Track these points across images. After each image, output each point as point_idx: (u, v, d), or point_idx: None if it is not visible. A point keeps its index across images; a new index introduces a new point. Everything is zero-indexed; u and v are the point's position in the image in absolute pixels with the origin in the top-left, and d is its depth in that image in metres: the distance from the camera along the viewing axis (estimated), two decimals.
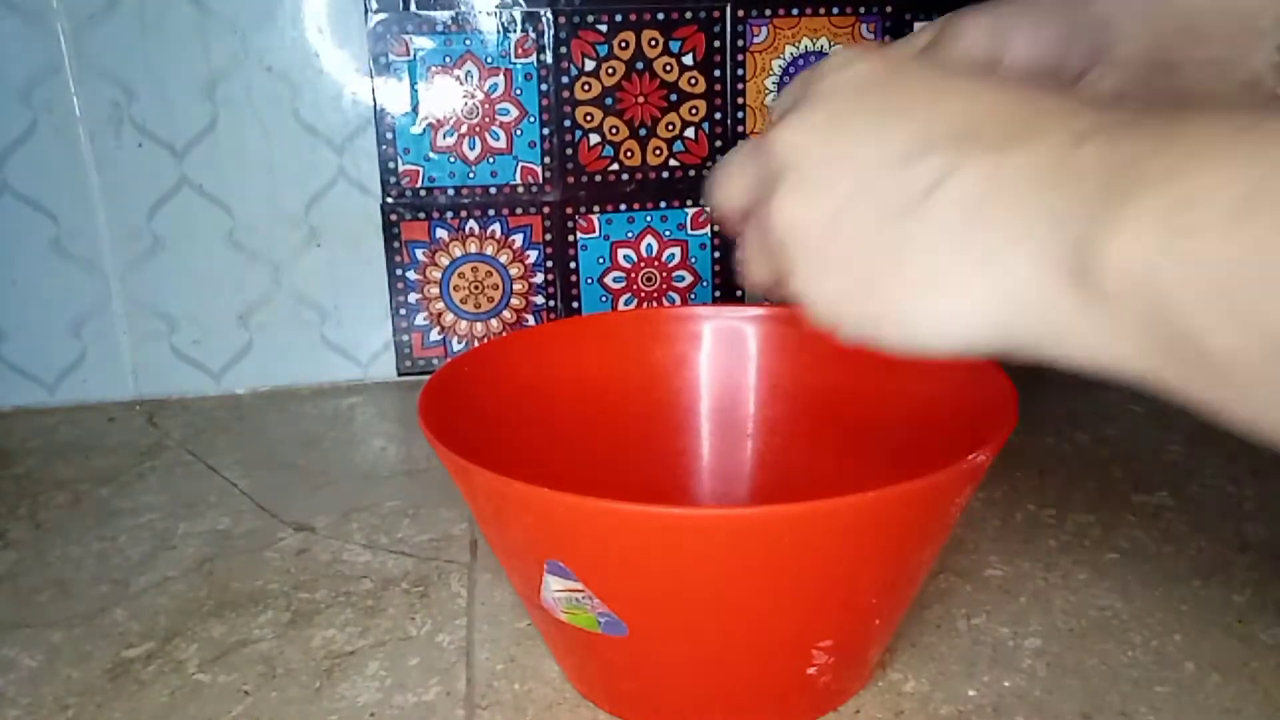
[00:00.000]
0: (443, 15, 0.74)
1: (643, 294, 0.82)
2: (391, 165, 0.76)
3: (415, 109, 0.75)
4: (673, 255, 0.82)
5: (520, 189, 0.78)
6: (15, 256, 0.74)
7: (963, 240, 0.24)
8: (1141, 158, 0.21)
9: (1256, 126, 0.20)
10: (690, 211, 0.81)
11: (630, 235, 0.81)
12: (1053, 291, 0.23)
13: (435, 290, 0.80)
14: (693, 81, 0.78)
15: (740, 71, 0.78)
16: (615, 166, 0.79)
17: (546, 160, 0.78)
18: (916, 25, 0.79)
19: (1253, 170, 0.19)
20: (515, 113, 0.77)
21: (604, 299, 0.82)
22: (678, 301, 0.83)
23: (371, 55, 0.74)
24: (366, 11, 0.73)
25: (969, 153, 0.24)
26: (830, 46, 0.79)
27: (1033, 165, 0.23)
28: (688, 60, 0.77)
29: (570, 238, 0.80)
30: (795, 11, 0.78)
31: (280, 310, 0.78)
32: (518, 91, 0.76)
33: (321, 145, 0.75)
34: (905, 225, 0.25)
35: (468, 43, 0.75)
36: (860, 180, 0.26)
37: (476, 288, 0.80)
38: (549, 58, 0.76)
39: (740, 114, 0.79)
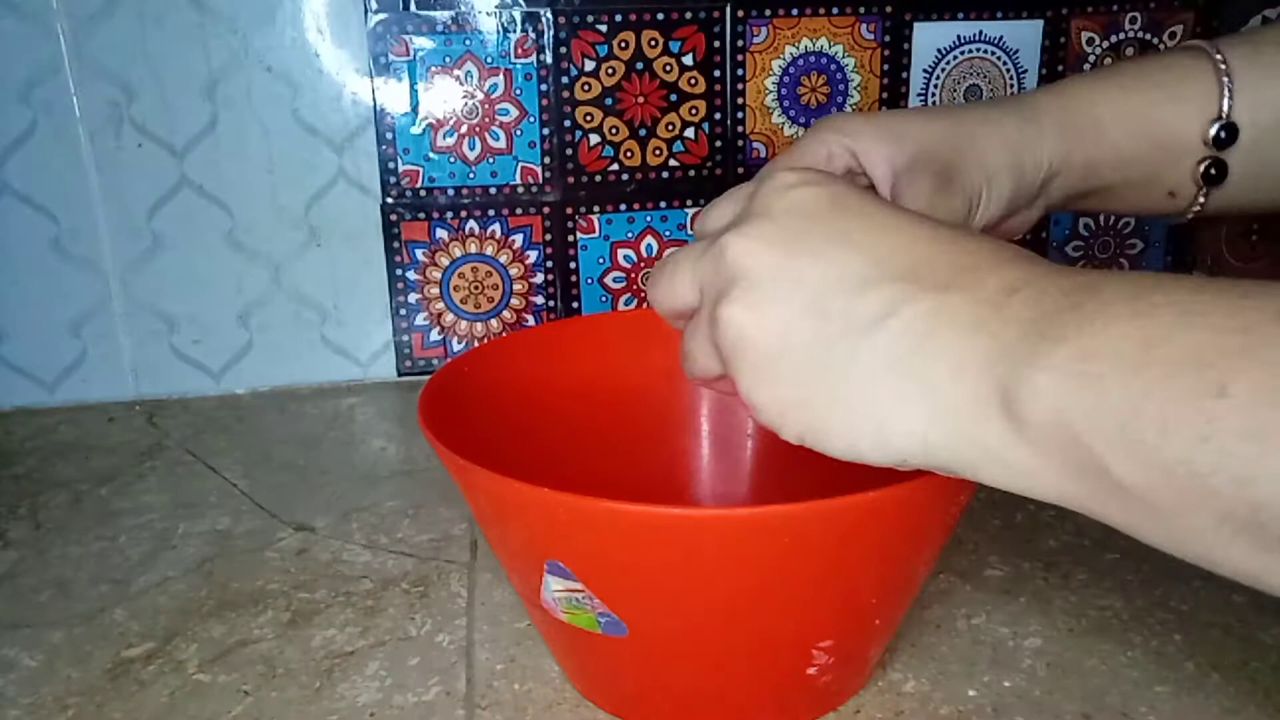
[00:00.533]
0: (443, 15, 0.74)
1: (642, 294, 0.82)
2: (391, 165, 0.76)
3: (415, 109, 0.75)
4: None
5: (520, 189, 0.78)
6: (15, 256, 0.74)
7: (906, 368, 0.27)
8: (1060, 311, 0.24)
9: (1153, 289, 0.23)
10: (690, 211, 0.81)
11: (630, 235, 0.81)
12: (983, 422, 0.25)
13: (435, 290, 0.80)
14: (693, 81, 0.78)
15: (740, 72, 0.78)
16: (615, 166, 0.79)
17: (546, 160, 0.78)
18: (916, 25, 0.79)
19: (1147, 327, 0.22)
20: (515, 113, 0.77)
21: (604, 299, 0.82)
22: None
23: (371, 55, 0.74)
24: (366, 11, 0.73)
25: (916, 290, 0.27)
26: (830, 46, 0.79)
27: (970, 309, 0.26)
28: (688, 60, 0.77)
29: (570, 238, 0.80)
30: (795, 11, 0.78)
31: (280, 310, 0.78)
32: (518, 91, 0.76)
33: (321, 145, 0.75)
34: (853, 347, 0.28)
35: (468, 43, 0.75)
36: (812, 299, 0.28)
37: (476, 288, 0.80)
38: (549, 58, 0.76)
39: (740, 114, 0.79)
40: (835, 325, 0.28)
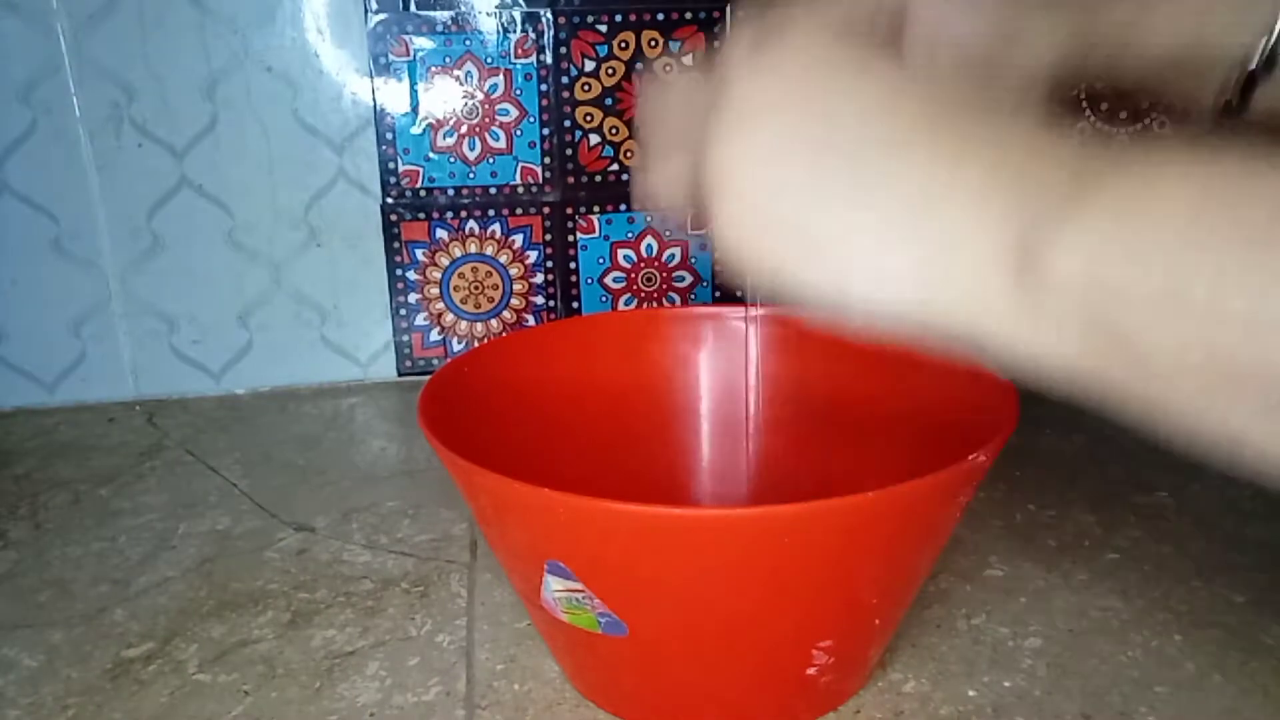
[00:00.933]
0: (443, 15, 0.74)
1: (643, 294, 0.82)
2: (391, 165, 0.76)
3: (415, 109, 0.75)
4: (673, 255, 0.82)
5: (520, 189, 0.78)
6: (15, 256, 0.74)
7: (916, 214, 0.24)
8: (1100, 168, 0.22)
9: (1213, 160, 0.20)
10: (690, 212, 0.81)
11: (630, 235, 0.81)
12: (994, 280, 0.23)
13: (435, 290, 0.80)
14: None
15: None
16: (615, 167, 0.79)
17: (546, 160, 0.78)
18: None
19: (1203, 194, 0.20)
20: (515, 113, 0.77)
21: (604, 299, 0.82)
22: (678, 301, 0.83)
23: (371, 55, 0.74)
24: (366, 12, 0.73)
25: (933, 136, 0.24)
26: None
27: (993, 158, 0.23)
28: (688, 60, 0.77)
29: (570, 238, 0.80)
30: None
31: (280, 310, 0.78)
32: (518, 92, 0.76)
33: (321, 145, 0.75)
34: (860, 191, 0.25)
35: (468, 43, 0.75)
36: (807, 129, 0.26)
37: (476, 288, 0.80)
38: (549, 58, 0.76)
39: None
40: (828, 163, 0.25)
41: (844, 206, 0.25)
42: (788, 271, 0.26)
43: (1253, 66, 0.38)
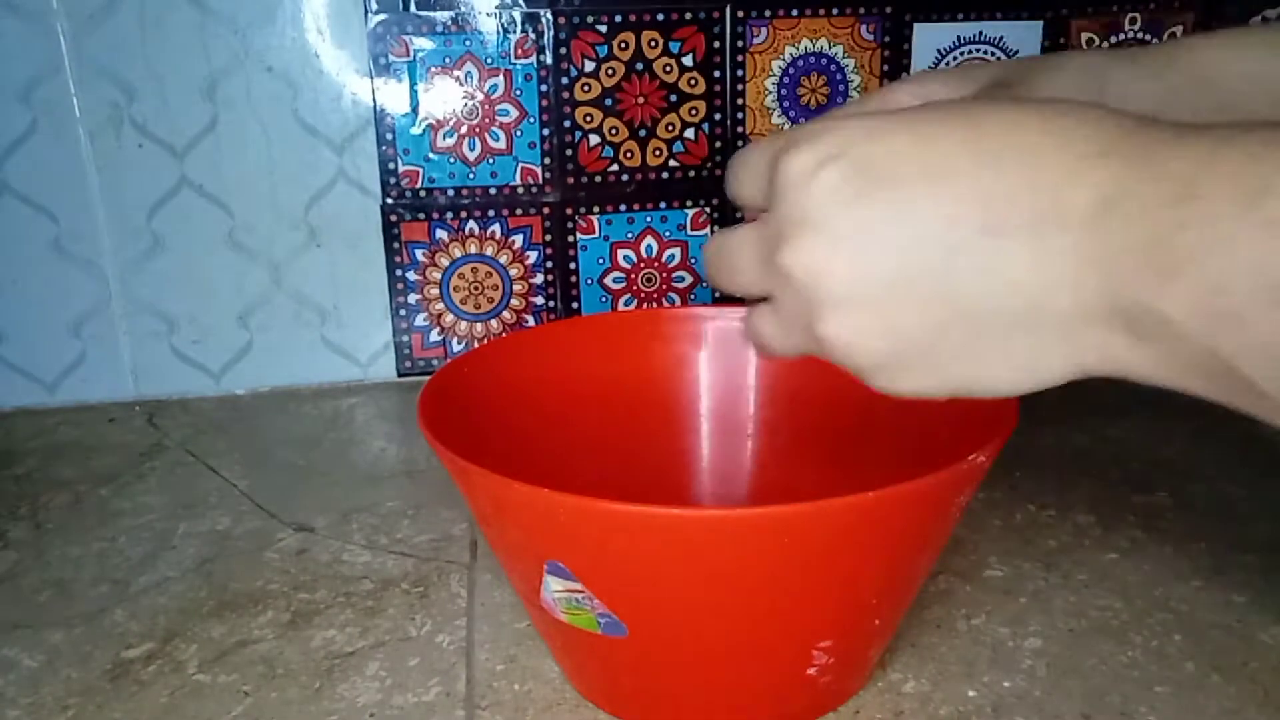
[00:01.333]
0: (443, 16, 0.74)
1: (643, 294, 0.82)
2: (391, 166, 0.76)
3: (415, 109, 0.75)
4: (673, 256, 0.82)
5: (520, 189, 0.78)
6: (15, 256, 0.74)
7: (1024, 324, 0.26)
8: (1166, 233, 0.22)
9: (1265, 192, 0.21)
10: (690, 212, 0.81)
11: (630, 236, 0.81)
12: (1117, 347, 0.25)
13: (435, 291, 0.80)
14: (692, 82, 0.78)
15: (740, 72, 0.78)
16: (615, 167, 0.79)
17: (546, 161, 0.78)
18: (916, 26, 0.79)
19: (1276, 249, 0.20)
20: (515, 113, 0.77)
21: (604, 299, 0.82)
22: (678, 302, 0.83)
23: (371, 56, 0.74)
24: (366, 12, 0.73)
25: (997, 242, 0.25)
26: (830, 47, 0.79)
27: (1065, 245, 0.24)
28: (687, 61, 0.77)
29: (570, 238, 0.80)
30: (795, 12, 0.78)
31: (280, 310, 0.78)
32: (518, 92, 0.76)
33: (321, 145, 0.75)
34: (957, 313, 0.26)
35: (468, 43, 0.75)
36: (900, 287, 0.26)
37: (476, 288, 0.80)
38: (549, 58, 0.76)
39: (740, 115, 0.79)
40: (936, 300, 0.26)
41: (958, 350, 0.27)
42: (960, 389, 0.28)
43: None
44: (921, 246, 0.26)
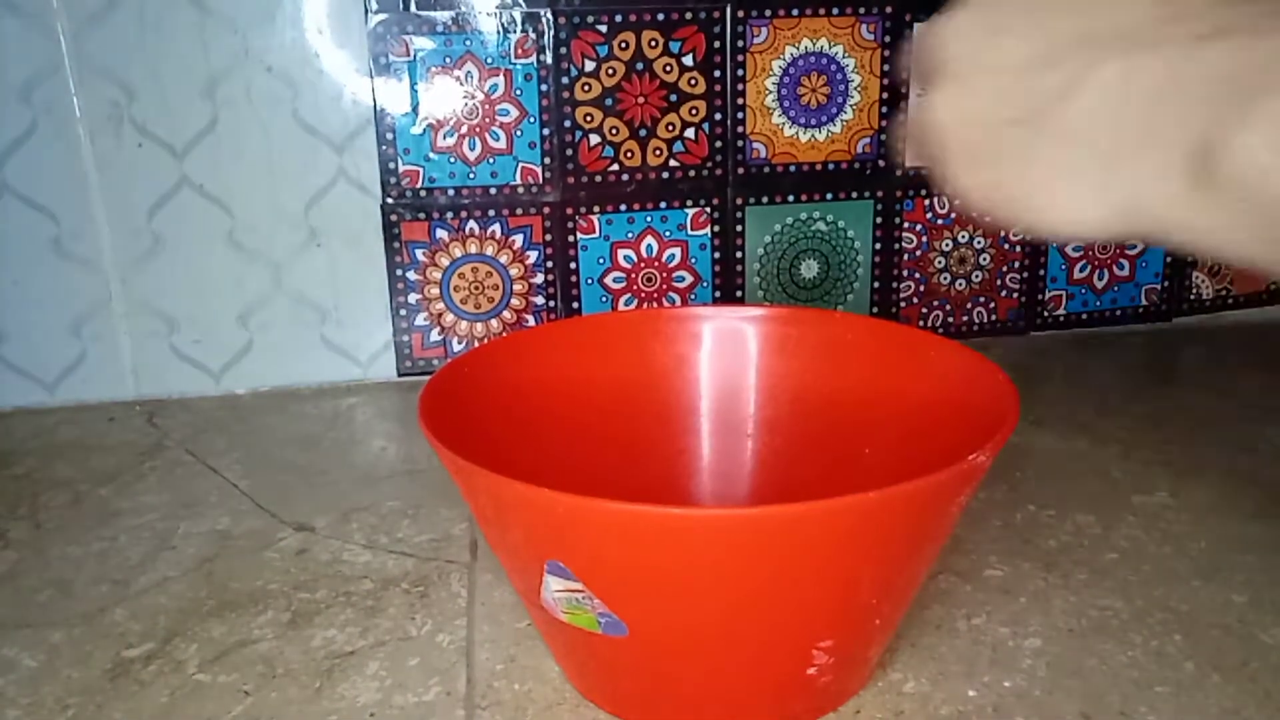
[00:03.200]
0: (443, 16, 0.74)
1: (643, 294, 0.82)
2: (391, 165, 0.76)
3: (415, 109, 0.75)
4: (673, 255, 0.82)
5: (520, 189, 0.78)
6: (15, 256, 0.74)
7: (1098, 137, 0.26)
8: (1270, 58, 0.23)
9: None
10: (690, 212, 0.81)
11: (630, 236, 0.81)
12: (1176, 188, 0.24)
13: (435, 290, 0.80)
14: (693, 82, 0.78)
15: (740, 72, 0.78)
16: (615, 167, 0.79)
17: (546, 161, 0.78)
18: (916, 26, 0.79)
19: None
20: (515, 113, 0.77)
21: (604, 299, 0.82)
22: (678, 301, 0.83)
23: (371, 55, 0.74)
24: (366, 12, 0.73)
25: (1098, 55, 0.26)
26: (830, 47, 0.79)
27: (1159, 68, 0.25)
28: (688, 61, 0.77)
29: (570, 238, 0.80)
30: (795, 12, 0.78)
31: (280, 310, 0.78)
32: (518, 92, 0.76)
33: (321, 145, 0.75)
34: (1047, 121, 0.27)
35: (468, 43, 0.75)
36: (1009, 79, 0.28)
37: (476, 288, 0.80)
38: (549, 58, 0.76)
39: (740, 114, 0.79)
40: (1026, 104, 0.28)
41: (1040, 153, 0.28)
42: (1010, 213, 0.29)
43: None
44: (1031, 44, 0.28)
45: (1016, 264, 0.88)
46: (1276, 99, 0.22)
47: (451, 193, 0.78)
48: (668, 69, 0.77)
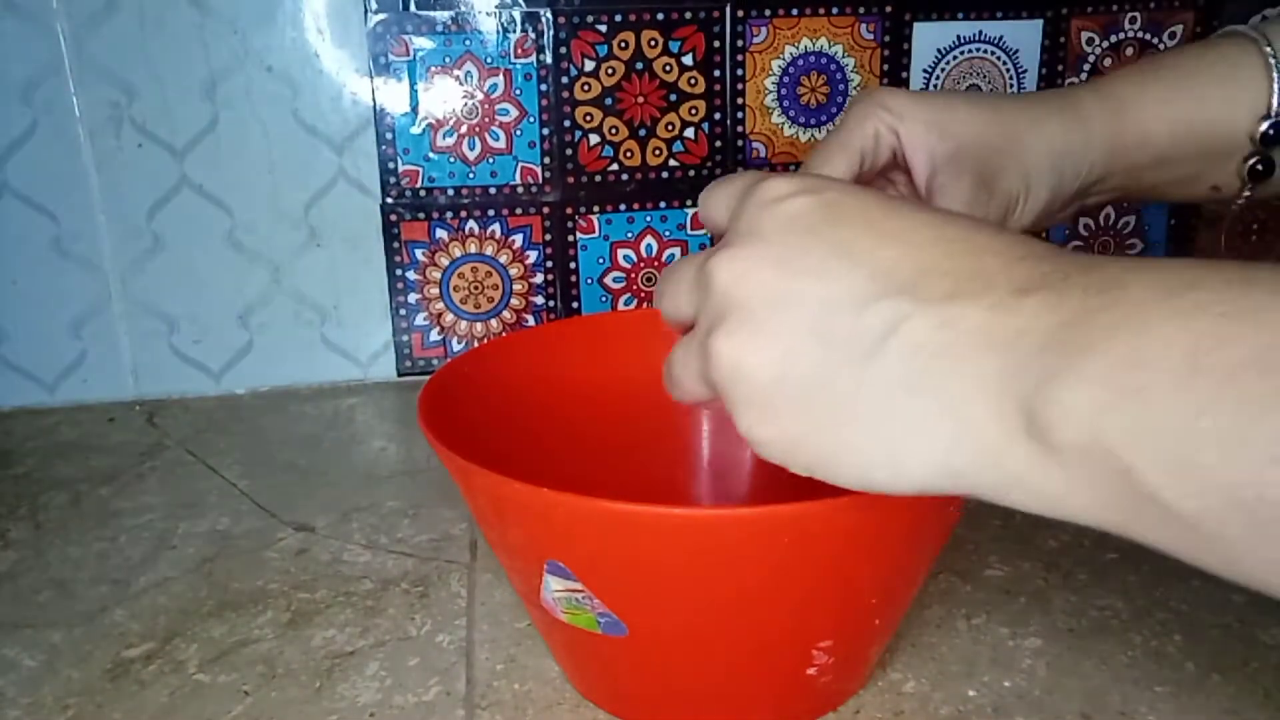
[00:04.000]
0: (442, 15, 0.74)
1: (643, 294, 0.82)
2: (391, 165, 0.76)
3: (415, 109, 0.75)
4: (673, 256, 0.82)
5: (520, 189, 0.78)
6: (15, 256, 0.74)
7: (918, 390, 0.24)
8: (1085, 314, 0.22)
9: (1194, 286, 0.20)
10: (690, 212, 0.81)
11: (630, 235, 0.81)
12: (1008, 444, 0.23)
13: (435, 290, 0.80)
14: (692, 82, 0.78)
15: (740, 72, 0.78)
16: (615, 167, 0.79)
17: (546, 160, 0.78)
18: (916, 25, 0.79)
19: (1193, 330, 0.20)
20: (515, 113, 0.77)
21: (604, 299, 0.82)
22: None
23: (371, 55, 0.74)
24: (366, 12, 0.73)
25: (917, 304, 0.25)
26: (830, 46, 0.79)
27: (979, 317, 0.24)
28: (687, 60, 0.77)
29: (570, 238, 0.80)
30: (795, 11, 0.78)
31: (280, 310, 0.78)
32: (517, 92, 0.76)
33: (321, 145, 0.75)
34: (858, 372, 0.25)
35: (467, 43, 0.75)
36: (810, 324, 0.26)
37: (476, 288, 0.80)
38: (549, 58, 0.76)
39: (740, 114, 0.79)
40: (837, 351, 0.26)
41: (855, 404, 0.26)
42: (818, 466, 0.27)
43: (1256, 143, 0.41)
44: (841, 285, 0.26)
45: None
46: (1097, 355, 0.21)
47: (451, 192, 0.78)
48: (667, 69, 0.77)
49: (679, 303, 0.31)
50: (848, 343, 0.25)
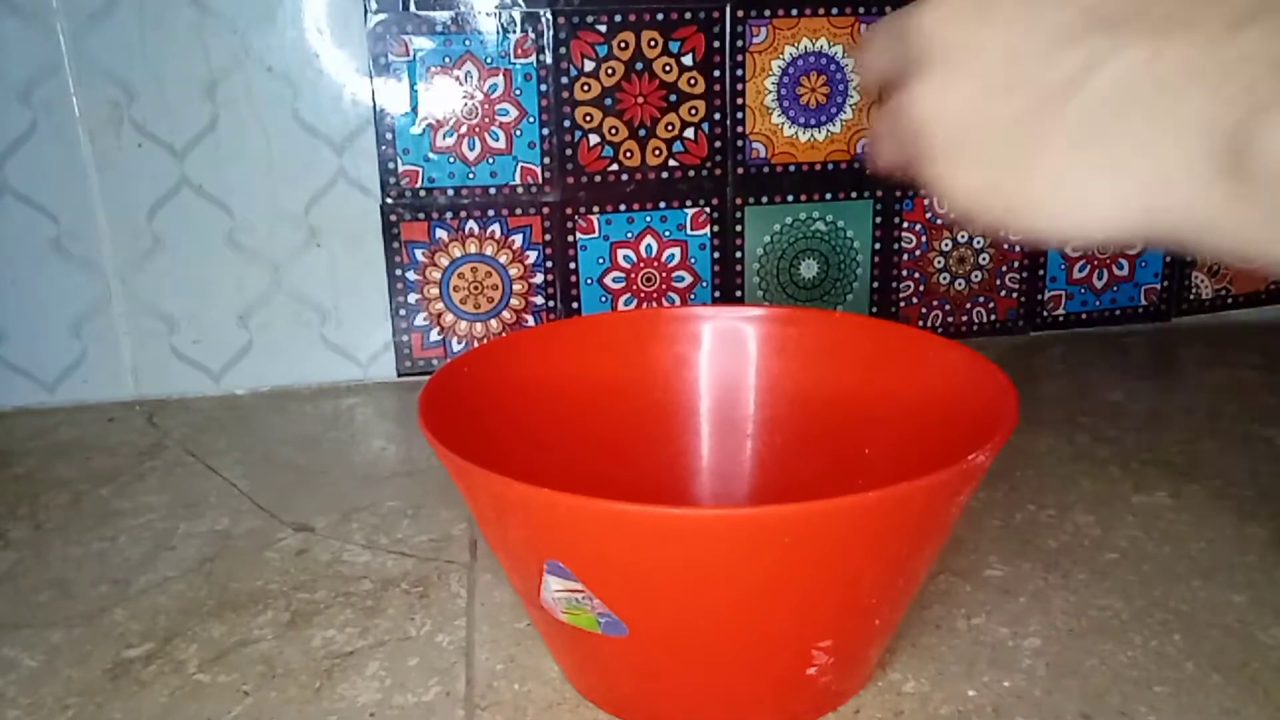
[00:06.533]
0: (442, 16, 0.74)
1: (643, 294, 0.82)
2: (391, 165, 0.76)
3: (415, 109, 0.75)
4: (672, 255, 0.82)
5: (520, 189, 0.78)
6: (15, 256, 0.74)
7: (1114, 128, 0.24)
8: None
9: None
10: (690, 212, 0.81)
11: (630, 235, 0.81)
12: (1205, 181, 0.22)
13: (435, 291, 0.80)
14: (692, 82, 0.78)
15: (740, 72, 0.78)
16: (615, 167, 0.79)
17: (546, 160, 0.78)
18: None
19: None
20: (515, 113, 0.77)
21: (604, 299, 0.82)
22: (678, 301, 0.83)
23: (371, 55, 0.74)
24: (366, 12, 0.73)
25: (1123, 39, 0.24)
26: (830, 46, 0.79)
27: (1189, 52, 0.23)
28: (687, 61, 0.77)
29: (570, 238, 0.80)
30: (795, 12, 0.78)
31: (280, 310, 0.78)
32: (517, 92, 0.76)
33: (321, 145, 0.75)
34: (1054, 112, 0.24)
35: (467, 43, 0.75)
36: (1007, 67, 0.25)
37: (476, 288, 0.80)
38: (549, 58, 0.76)
39: (740, 114, 0.79)
40: (1035, 91, 0.25)
41: (1049, 145, 0.25)
42: (1009, 213, 0.26)
43: None
44: (1047, 22, 0.25)
45: (1016, 264, 0.88)
46: None
47: (451, 193, 0.78)
48: (667, 69, 0.77)
49: (875, 57, 0.30)
50: (1050, 81, 0.25)
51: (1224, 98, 0.22)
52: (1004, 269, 0.87)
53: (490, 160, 0.77)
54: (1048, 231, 0.26)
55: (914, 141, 0.28)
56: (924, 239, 0.85)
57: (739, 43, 0.78)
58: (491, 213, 0.79)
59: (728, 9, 0.77)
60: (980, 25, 0.26)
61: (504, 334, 0.81)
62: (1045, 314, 0.89)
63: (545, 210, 0.79)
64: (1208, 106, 0.22)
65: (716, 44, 0.77)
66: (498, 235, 0.79)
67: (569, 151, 0.78)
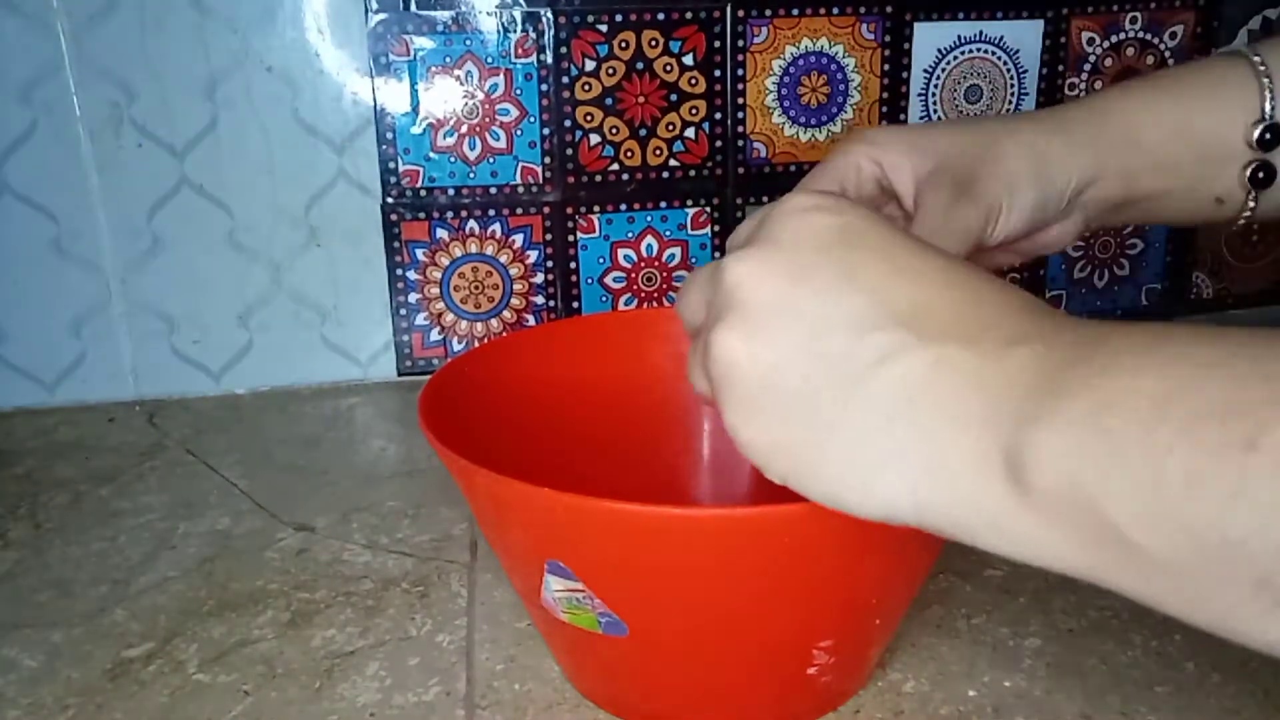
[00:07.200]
0: (443, 15, 0.74)
1: (643, 294, 0.82)
2: (391, 165, 0.76)
3: (415, 109, 0.75)
4: (673, 255, 0.82)
5: (520, 189, 0.78)
6: (15, 256, 0.74)
7: (901, 420, 0.25)
8: (1067, 364, 0.23)
9: (1168, 340, 0.22)
10: (690, 211, 0.81)
11: (630, 235, 0.81)
12: (982, 485, 0.24)
13: (435, 290, 0.80)
14: (693, 81, 0.78)
15: (740, 72, 0.78)
16: (615, 166, 0.79)
17: (546, 160, 0.78)
18: (916, 25, 0.79)
19: (1164, 378, 0.21)
20: (515, 113, 0.77)
21: (604, 299, 0.82)
22: None
23: (371, 55, 0.74)
24: (366, 11, 0.73)
25: (913, 339, 0.25)
26: (830, 46, 0.79)
27: (971, 361, 0.25)
28: (688, 60, 0.77)
29: (570, 238, 0.80)
30: (795, 11, 0.78)
31: (280, 310, 0.78)
32: (518, 91, 0.76)
33: (321, 145, 0.75)
34: (846, 393, 0.26)
35: (468, 43, 0.75)
36: (808, 337, 0.27)
37: (477, 288, 0.80)
38: (549, 58, 0.76)
39: (740, 114, 0.79)
40: (828, 369, 0.26)
41: (839, 423, 0.26)
42: (792, 476, 0.28)
43: (1253, 148, 0.41)
44: (843, 308, 0.27)
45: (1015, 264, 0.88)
46: (1074, 400, 0.22)
47: (451, 192, 0.78)
48: (668, 69, 0.77)
49: (691, 300, 0.32)
50: (840, 363, 0.26)
51: (996, 409, 0.24)
52: (1004, 270, 0.87)
53: (491, 160, 0.77)
54: (832, 502, 0.27)
55: (714, 384, 0.29)
56: None
57: (740, 42, 0.78)
58: (492, 212, 0.79)
59: (728, 9, 0.77)
60: (786, 290, 0.27)
61: (504, 334, 0.81)
62: None
63: (546, 210, 0.79)
64: (983, 414, 0.24)
65: (717, 44, 0.77)
66: (498, 235, 0.79)
67: (570, 151, 0.78)
